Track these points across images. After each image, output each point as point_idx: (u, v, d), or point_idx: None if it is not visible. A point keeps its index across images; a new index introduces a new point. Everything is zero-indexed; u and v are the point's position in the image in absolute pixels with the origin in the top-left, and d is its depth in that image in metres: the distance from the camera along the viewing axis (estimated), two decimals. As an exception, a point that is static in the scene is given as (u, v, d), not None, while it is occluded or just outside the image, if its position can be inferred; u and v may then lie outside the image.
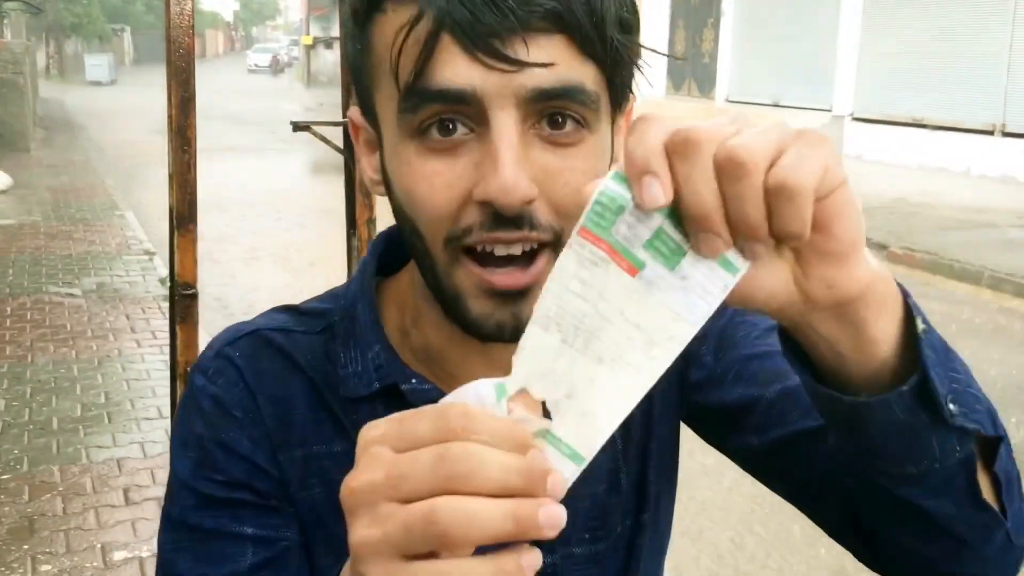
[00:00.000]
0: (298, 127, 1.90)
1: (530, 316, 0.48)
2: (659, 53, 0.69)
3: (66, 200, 10.09)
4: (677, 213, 0.46)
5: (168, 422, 4.27)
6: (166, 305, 6.16)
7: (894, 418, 0.52)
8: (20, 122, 13.66)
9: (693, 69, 19.13)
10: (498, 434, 0.42)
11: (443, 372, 0.73)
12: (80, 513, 3.48)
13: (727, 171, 0.43)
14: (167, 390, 4.64)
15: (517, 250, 0.62)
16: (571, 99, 0.60)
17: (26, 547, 3.24)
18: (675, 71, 19.73)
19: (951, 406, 0.52)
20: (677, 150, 0.44)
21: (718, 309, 0.47)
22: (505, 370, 0.48)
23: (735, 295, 0.47)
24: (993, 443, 0.57)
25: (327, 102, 27.01)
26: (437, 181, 0.61)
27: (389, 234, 0.79)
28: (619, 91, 0.66)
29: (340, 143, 1.96)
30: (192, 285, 1.82)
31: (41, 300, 6.17)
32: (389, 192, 0.67)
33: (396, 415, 0.45)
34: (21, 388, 4.67)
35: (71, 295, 6.33)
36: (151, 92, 29.32)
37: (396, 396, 0.71)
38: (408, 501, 0.42)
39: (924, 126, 13.65)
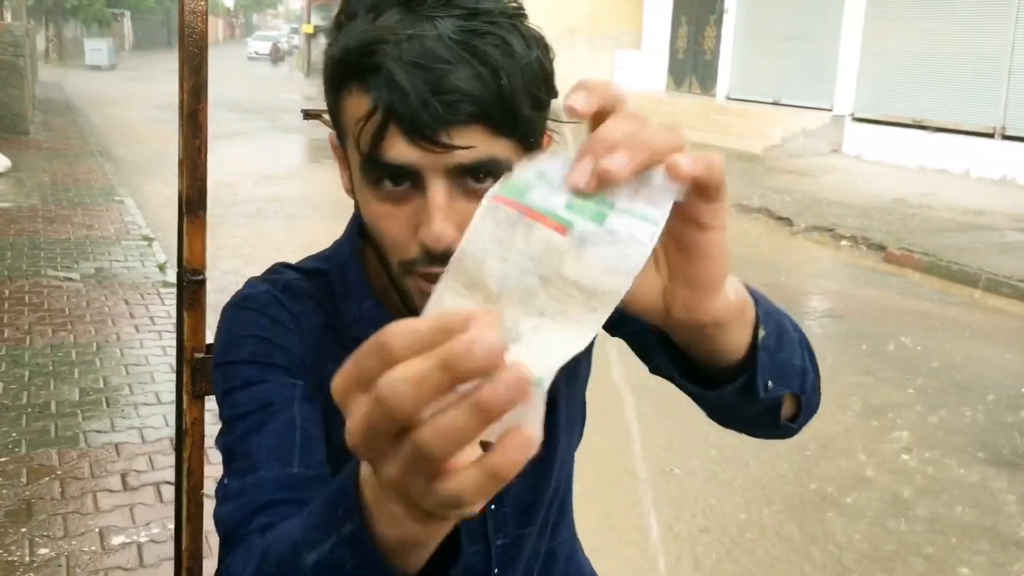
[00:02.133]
0: (309, 115, 1.89)
1: None
2: (562, 121, 0.76)
3: (64, 184, 10.07)
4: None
5: (167, 408, 4.27)
6: (164, 291, 6.17)
7: (727, 396, 0.73)
8: (19, 105, 13.60)
9: (695, 66, 19.11)
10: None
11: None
12: (78, 497, 3.48)
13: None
14: (166, 376, 4.66)
15: None
16: (487, 169, 0.79)
17: (24, 530, 3.25)
18: (676, 68, 19.71)
19: (769, 384, 0.73)
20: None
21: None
22: None
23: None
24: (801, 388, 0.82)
25: (327, 91, 26.86)
26: (391, 221, 0.82)
27: None
28: (534, 147, 0.83)
29: (350, 132, 1.95)
30: (200, 271, 1.82)
31: (39, 284, 6.16)
32: (358, 208, 0.88)
33: (349, 360, 0.48)
34: (19, 371, 4.66)
35: (69, 279, 6.31)
36: (151, 77, 29.24)
37: None
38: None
39: (924, 127, 13.66)
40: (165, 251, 7.12)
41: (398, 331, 0.45)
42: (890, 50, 14.32)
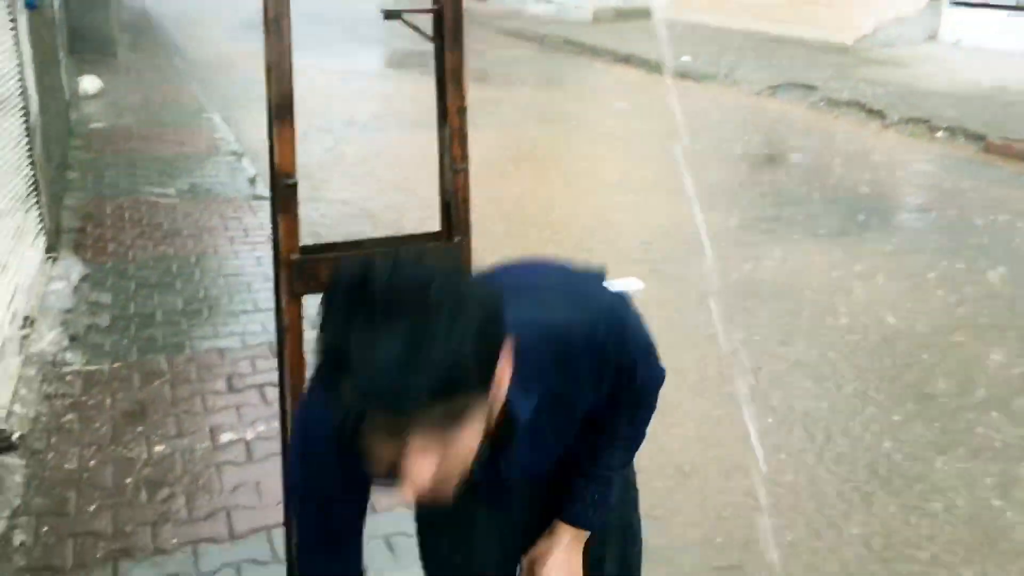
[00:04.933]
0: (390, 15, 1.91)
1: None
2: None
3: (155, 103, 10.31)
4: None
5: (265, 315, 4.44)
6: (256, 204, 6.33)
7: None
8: (106, 27, 13.86)
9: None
10: None
11: None
12: (188, 399, 3.69)
13: None
14: (262, 285, 4.83)
15: None
16: None
17: (140, 429, 3.46)
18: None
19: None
20: None
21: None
22: None
23: None
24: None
25: None
26: None
27: None
28: (466, 406, 1.05)
29: (430, 31, 1.97)
30: (292, 175, 1.88)
31: (138, 200, 6.39)
32: None
33: None
34: (125, 283, 4.89)
35: (165, 195, 6.53)
36: (230, -6, 29.23)
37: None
38: None
39: (1029, 9, 12.88)
40: (254, 165, 7.28)
41: None
42: (993, -74, 13.44)
